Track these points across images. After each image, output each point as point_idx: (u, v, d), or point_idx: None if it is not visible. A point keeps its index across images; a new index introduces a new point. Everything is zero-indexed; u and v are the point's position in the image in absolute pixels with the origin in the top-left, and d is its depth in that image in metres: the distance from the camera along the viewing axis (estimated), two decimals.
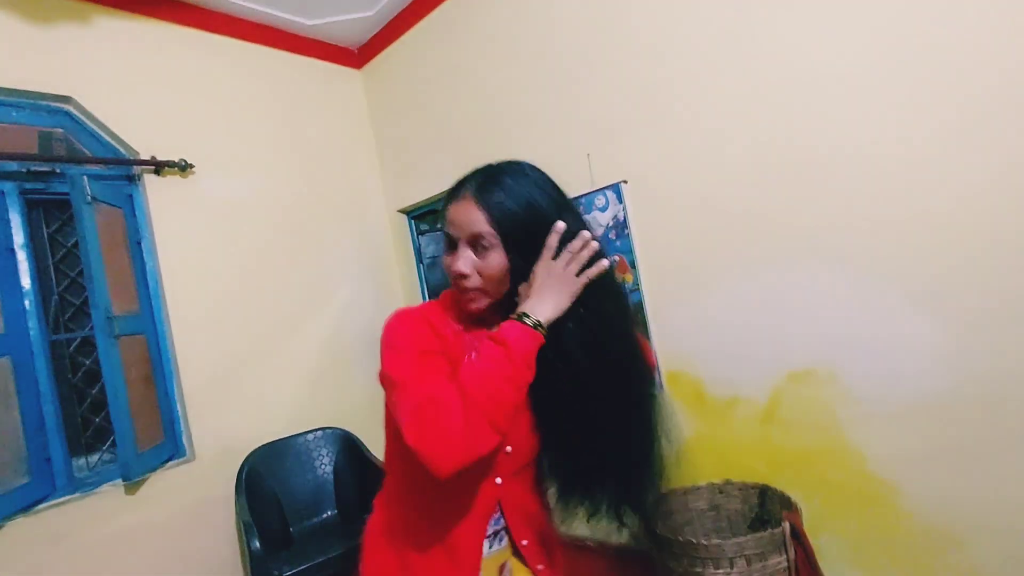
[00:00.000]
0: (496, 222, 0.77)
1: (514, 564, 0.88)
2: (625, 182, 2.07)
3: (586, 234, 0.76)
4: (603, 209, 2.14)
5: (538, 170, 0.84)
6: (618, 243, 2.10)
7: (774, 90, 1.71)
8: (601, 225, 2.15)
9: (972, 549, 1.48)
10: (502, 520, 0.87)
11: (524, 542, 0.87)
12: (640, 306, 2.07)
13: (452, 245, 0.81)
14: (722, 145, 1.83)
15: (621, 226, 2.09)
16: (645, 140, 2.01)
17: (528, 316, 0.74)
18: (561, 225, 0.75)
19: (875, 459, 1.62)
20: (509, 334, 0.72)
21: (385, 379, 0.77)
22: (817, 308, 1.68)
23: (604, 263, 0.77)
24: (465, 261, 0.79)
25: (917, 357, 1.52)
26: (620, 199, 2.08)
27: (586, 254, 0.76)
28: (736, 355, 1.87)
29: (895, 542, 1.60)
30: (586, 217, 0.86)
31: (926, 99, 1.46)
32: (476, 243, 0.78)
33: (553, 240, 0.76)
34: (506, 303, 0.82)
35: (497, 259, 0.78)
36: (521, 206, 0.77)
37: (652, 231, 2.04)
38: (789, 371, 1.76)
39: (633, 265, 2.07)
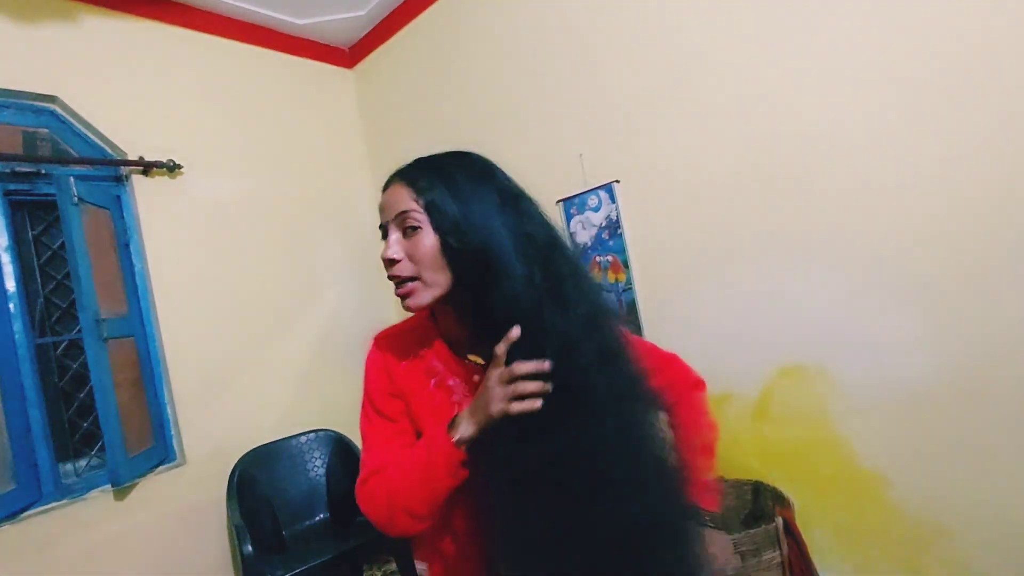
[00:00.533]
0: (420, 195, 0.73)
1: None
2: (618, 182, 2.08)
3: (513, 336, 0.66)
4: (596, 209, 2.15)
5: (478, 155, 0.80)
6: (611, 243, 2.12)
7: (763, 90, 1.73)
8: (594, 225, 2.16)
9: (960, 540, 1.51)
10: None
11: None
12: (633, 305, 2.08)
13: (384, 236, 0.78)
14: (712, 145, 1.85)
15: (614, 226, 2.10)
16: (637, 140, 2.03)
17: (454, 428, 0.71)
18: (515, 333, 0.66)
19: (864, 452, 1.64)
20: (433, 444, 0.71)
21: None
22: (806, 304, 1.71)
23: (536, 404, 0.66)
24: (394, 247, 0.74)
25: (904, 351, 1.55)
26: (613, 199, 2.09)
27: (514, 389, 0.65)
28: (728, 352, 1.89)
29: (885, 534, 1.63)
30: (544, 211, 0.78)
31: (912, 98, 1.48)
32: (404, 224, 0.73)
33: (500, 349, 0.67)
34: (457, 297, 0.74)
35: (427, 239, 0.72)
36: (446, 179, 0.73)
37: (644, 230, 2.06)
38: (780, 367, 1.78)
39: (626, 265, 2.09)
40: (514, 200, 0.74)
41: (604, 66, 2.09)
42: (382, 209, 0.78)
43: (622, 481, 0.66)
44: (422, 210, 0.72)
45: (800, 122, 1.67)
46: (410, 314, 0.83)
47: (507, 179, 0.78)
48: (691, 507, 0.73)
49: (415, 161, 0.80)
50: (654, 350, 0.92)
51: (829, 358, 1.69)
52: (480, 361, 0.79)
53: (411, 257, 0.73)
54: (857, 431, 1.65)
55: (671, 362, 0.92)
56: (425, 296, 0.74)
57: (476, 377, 0.78)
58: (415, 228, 0.73)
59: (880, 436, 1.61)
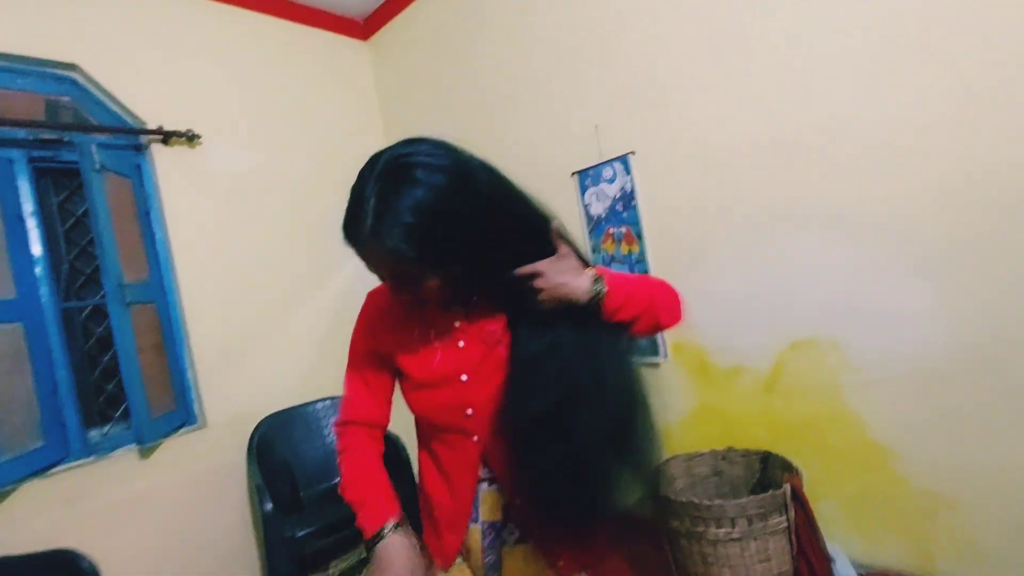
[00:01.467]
0: (407, 259, 0.70)
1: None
2: (633, 153, 2.07)
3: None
4: (611, 181, 2.14)
5: (431, 147, 0.73)
6: (625, 214, 2.12)
7: (779, 59, 1.71)
8: (608, 197, 2.16)
9: (966, 511, 1.53)
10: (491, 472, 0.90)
11: (517, 502, 0.89)
12: None
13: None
14: (728, 116, 1.83)
15: (628, 198, 2.10)
16: (653, 112, 2.01)
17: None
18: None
19: (874, 425, 1.66)
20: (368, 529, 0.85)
21: None
22: (820, 278, 1.71)
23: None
24: (398, 293, 0.81)
25: (917, 325, 1.55)
26: (628, 171, 2.08)
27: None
28: (740, 325, 1.90)
29: (891, 505, 1.65)
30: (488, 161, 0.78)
31: (927, 69, 1.46)
32: (401, 284, 0.77)
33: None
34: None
35: (430, 283, 0.75)
36: (422, 223, 0.68)
37: (658, 202, 2.05)
38: (792, 340, 1.79)
39: (639, 236, 2.09)
40: (468, 174, 0.73)
41: (621, 37, 2.06)
42: (367, 266, 0.76)
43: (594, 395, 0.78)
44: (415, 265, 0.72)
45: (815, 92, 1.65)
46: None
47: (455, 151, 0.75)
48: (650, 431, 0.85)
49: (375, 212, 0.70)
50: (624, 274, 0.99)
51: (842, 332, 1.69)
52: (460, 310, 0.88)
53: (417, 295, 0.79)
54: (867, 404, 1.66)
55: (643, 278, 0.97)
56: (432, 302, 0.84)
57: (457, 323, 0.87)
58: (415, 277, 0.75)
59: (890, 409, 1.62)
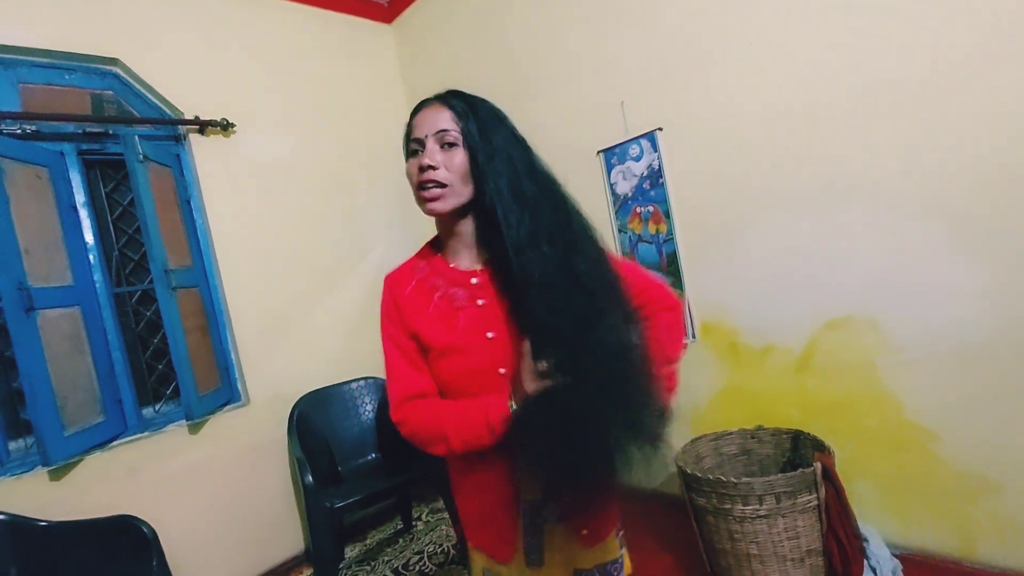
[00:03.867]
0: (458, 118, 0.84)
1: None
2: (660, 129, 2.03)
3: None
4: (637, 159, 2.11)
5: (492, 104, 0.91)
6: (652, 193, 2.08)
7: (811, 31, 1.63)
8: (635, 175, 2.13)
9: (1011, 494, 1.48)
10: None
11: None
12: (674, 256, 2.06)
13: (414, 153, 0.87)
14: (758, 88, 1.77)
15: (655, 175, 2.06)
16: (681, 86, 1.96)
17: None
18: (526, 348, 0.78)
19: (913, 406, 1.61)
20: (490, 402, 0.82)
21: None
22: (858, 255, 1.65)
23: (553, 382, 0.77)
24: (434, 156, 0.84)
25: (960, 302, 1.49)
26: (655, 147, 2.05)
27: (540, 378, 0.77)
28: (772, 305, 1.86)
29: (929, 487, 1.61)
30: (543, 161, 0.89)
31: (974, 31, 1.37)
32: (443, 140, 0.84)
33: (525, 348, 0.78)
34: (470, 211, 0.88)
35: (461, 156, 0.84)
36: (481, 110, 0.86)
37: (687, 179, 2.01)
38: (826, 320, 1.74)
39: (667, 215, 2.06)
40: (521, 140, 0.88)
41: (647, 7, 2.01)
42: (417, 126, 0.87)
43: (606, 392, 0.76)
44: (459, 131, 0.84)
45: (853, 58, 1.57)
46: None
47: (514, 126, 0.90)
48: (653, 400, 0.81)
49: (448, 91, 0.90)
50: (637, 270, 1.00)
51: (880, 310, 1.64)
52: (478, 267, 0.90)
53: (446, 167, 0.84)
54: (905, 384, 1.62)
55: (652, 285, 0.99)
56: (450, 202, 0.85)
57: (474, 280, 0.89)
58: (452, 144, 0.84)
59: (930, 389, 1.57)
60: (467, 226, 0.89)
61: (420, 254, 0.97)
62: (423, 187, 0.85)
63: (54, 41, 2.01)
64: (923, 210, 1.52)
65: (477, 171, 0.84)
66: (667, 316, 0.95)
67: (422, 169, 0.84)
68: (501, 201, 0.81)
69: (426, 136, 0.85)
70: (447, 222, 0.90)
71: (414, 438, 0.86)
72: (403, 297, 0.91)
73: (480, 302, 0.87)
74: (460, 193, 0.85)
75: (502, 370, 0.84)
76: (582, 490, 0.83)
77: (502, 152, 0.84)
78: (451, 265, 0.91)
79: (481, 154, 0.83)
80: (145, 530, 1.65)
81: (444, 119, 0.85)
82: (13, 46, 1.93)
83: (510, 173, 0.83)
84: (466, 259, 0.91)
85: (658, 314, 0.94)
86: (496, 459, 0.85)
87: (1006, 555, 1.50)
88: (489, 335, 0.85)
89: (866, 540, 1.60)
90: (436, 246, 0.96)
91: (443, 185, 0.84)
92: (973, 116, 1.41)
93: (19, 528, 1.68)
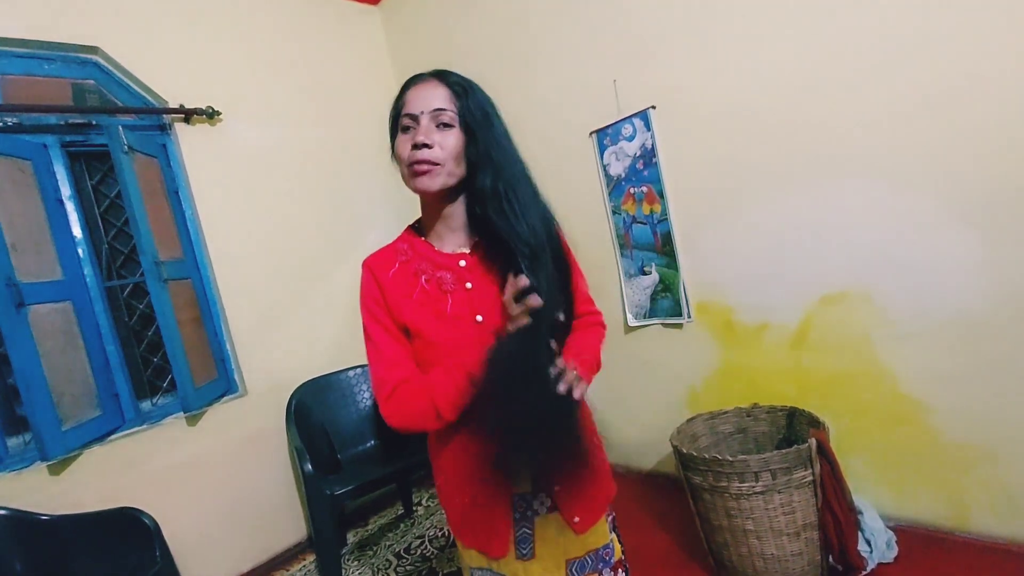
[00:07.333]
0: (456, 98, 0.83)
1: None
2: (653, 107, 2.00)
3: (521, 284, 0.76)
4: (630, 139, 2.08)
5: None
6: (645, 173, 2.06)
7: (804, 4, 1.60)
8: (628, 156, 2.10)
9: (1004, 464, 1.49)
10: None
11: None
12: (669, 237, 2.05)
13: (405, 129, 0.85)
14: (753, 62, 1.74)
15: (649, 155, 2.04)
16: (675, 61, 1.93)
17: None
18: (522, 282, 0.75)
19: (907, 379, 1.62)
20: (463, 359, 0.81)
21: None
22: (854, 229, 1.64)
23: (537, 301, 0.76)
24: (428, 133, 0.81)
25: (954, 273, 1.49)
26: (648, 126, 2.02)
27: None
28: (767, 281, 1.85)
29: (924, 459, 1.62)
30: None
31: (964, 9, 1.35)
32: (438, 120, 0.82)
33: (508, 293, 0.77)
34: (455, 193, 0.87)
35: (456, 137, 0.83)
36: (477, 92, 0.86)
37: (681, 157, 1.99)
38: (822, 295, 1.74)
39: (661, 195, 2.04)
40: (507, 127, 0.89)
41: None
42: (411, 102, 0.84)
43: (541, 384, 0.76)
44: (455, 111, 0.83)
45: (849, 29, 1.55)
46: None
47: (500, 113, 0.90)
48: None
49: (443, 70, 0.87)
50: (583, 278, 1.00)
51: (876, 285, 1.63)
52: (465, 251, 0.89)
53: (440, 146, 0.82)
54: (900, 358, 1.62)
55: (591, 300, 1.02)
56: (440, 180, 0.83)
57: (462, 263, 0.87)
58: (448, 125, 0.82)
59: (925, 362, 1.58)
60: (457, 208, 0.88)
61: (401, 238, 0.94)
62: (414, 159, 0.82)
63: (31, 30, 1.96)
64: (922, 183, 1.50)
65: (475, 154, 0.83)
66: (601, 331, 1.00)
67: (416, 147, 0.81)
68: (505, 187, 0.82)
69: (421, 113, 0.83)
70: (435, 204, 0.89)
71: (405, 425, 0.83)
72: (386, 280, 0.88)
73: (468, 285, 0.86)
74: (452, 173, 0.83)
75: (479, 317, 0.84)
76: (553, 439, 0.78)
77: (503, 139, 0.85)
78: (436, 248, 0.90)
79: (482, 139, 0.83)
80: (147, 521, 1.66)
81: (440, 97, 0.83)
82: None
83: (510, 161, 0.84)
84: (452, 242, 0.90)
85: (594, 326, 0.99)
86: (480, 446, 0.82)
87: (999, 524, 1.52)
88: (478, 318, 0.85)
89: (861, 513, 1.62)
90: (418, 230, 0.94)
91: (435, 164, 0.82)
92: (969, 88, 1.39)
93: (22, 523, 1.69)
